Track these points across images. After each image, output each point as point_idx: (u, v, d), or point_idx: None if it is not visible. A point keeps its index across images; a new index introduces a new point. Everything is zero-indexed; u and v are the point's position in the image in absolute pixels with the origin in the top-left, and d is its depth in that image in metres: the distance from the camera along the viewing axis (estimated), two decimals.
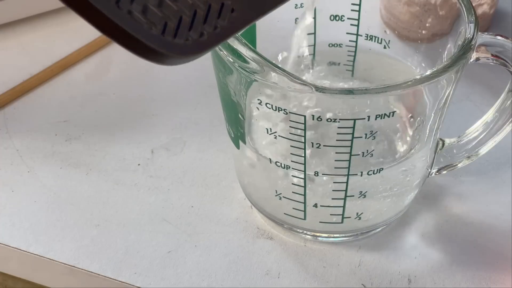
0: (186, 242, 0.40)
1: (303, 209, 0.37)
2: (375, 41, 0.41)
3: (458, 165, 0.40)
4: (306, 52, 0.42)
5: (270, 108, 0.33)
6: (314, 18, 0.40)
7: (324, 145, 0.34)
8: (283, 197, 0.37)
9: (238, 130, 0.37)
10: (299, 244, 0.40)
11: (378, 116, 0.32)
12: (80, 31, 0.54)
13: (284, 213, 0.39)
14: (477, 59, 0.35)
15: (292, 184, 0.36)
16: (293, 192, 0.37)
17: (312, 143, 0.34)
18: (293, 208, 0.38)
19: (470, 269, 0.39)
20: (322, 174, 0.35)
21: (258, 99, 0.34)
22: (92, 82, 0.51)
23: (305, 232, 0.40)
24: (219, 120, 0.46)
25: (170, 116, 0.48)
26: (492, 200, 0.42)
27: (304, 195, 0.36)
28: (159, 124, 0.48)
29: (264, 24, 0.38)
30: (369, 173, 0.35)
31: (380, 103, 0.33)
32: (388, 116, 0.32)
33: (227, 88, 0.35)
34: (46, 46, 0.54)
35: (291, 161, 0.35)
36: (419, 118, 0.37)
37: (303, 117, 0.33)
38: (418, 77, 0.31)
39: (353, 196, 0.36)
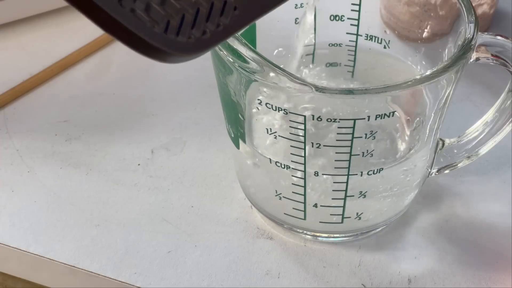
0: (186, 242, 0.40)
1: (303, 209, 0.37)
2: (375, 41, 0.41)
3: (458, 165, 0.40)
4: (306, 52, 0.42)
5: (270, 108, 0.33)
6: (314, 18, 0.40)
7: (324, 145, 0.34)
8: (283, 197, 0.37)
9: (238, 130, 0.37)
10: (299, 244, 0.40)
11: (378, 116, 0.32)
12: (80, 31, 0.54)
13: (284, 213, 0.39)
14: (477, 59, 0.35)
15: (292, 184, 0.36)
16: (293, 192, 0.37)
17: (312, 143, 0.34)
18: (293, 208, 0.38)
19: (470, 269, 0.39)
20: (322, 174, 0.35)
21: (258, 99, 0.34)
22: (92, 82, 0.51)
23: (305, 232, 0.40)
24: (219, 120, 0.46)
25: (170, 116, 0.48)
26: (492, 200, 0.42)
27: (304, 195, 0.36)
28: (159, 124, 0.48)
29: (264, 24, 0.38)
30: (369, 173, 0.35)
31: (380, 103, 0.33)
32: (388, 116, 0.32)
33: (227, 88, 0.35)
34: (46, 46, 0.54)
35: (291, 161, 0.35)
36: (419, 118, 0.37)
37: (303, 117, 0.33)
38: (418, 77, 0.31)
39: (353, 196, 0.36)
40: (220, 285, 0.38)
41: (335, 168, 0.35)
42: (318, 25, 0.41)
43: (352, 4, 0.40)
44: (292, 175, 0.36)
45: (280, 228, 0.40)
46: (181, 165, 0.45)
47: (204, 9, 0.23)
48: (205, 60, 0.37)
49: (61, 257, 0.39)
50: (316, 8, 0.40)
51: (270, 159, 0.36)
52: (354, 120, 0.32)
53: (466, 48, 0.33)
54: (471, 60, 0.34)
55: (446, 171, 0.41)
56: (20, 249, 0.40)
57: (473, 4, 0.40)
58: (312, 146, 0.34)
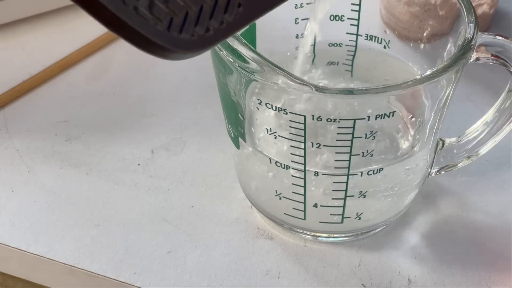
0: (186, 242, 0.40)
1: (303, 209, 0.37)
2: (375, 41, 0.41)
3: (458, 165, 0.40)
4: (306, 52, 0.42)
5: (270, 108, 0.33)
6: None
7: (324, 145, 0.34)
8: (283, 197, 0.37)
9: (238, 130, 0.37)
10: (299, 244, 0.40)
11: (378, 116, 0.32)
12: (80, 31, 0.55)
13: (284, 213, 0.39)
14: (477, 59, 0.35)
15: (292, 184, 0.36)
16: (293, 192, 0.37)
17: (312, 143, 0.34)
18: (293, 208, 0.38)
19: (470, 269, 0.39)
20: (322, 174, 0.35)
21: (258, 99, 0.34)
22: (92, 82, 0.51)
23: (305, 232, 0.40)
24: (219, 120, 0.46)
25: (170, 116, 0.48)
26: (492, 200, 0.42)
27: (304, 195, 0.36)
28: (159, 124, 0.48)
29: (264, 24, 0.38)
30: (369, 173, 0.35)
31: (380, 103, 0.33)
32: (388, 116, 0.32)
33: (227, 88, 0.35)
34: (46, 46, 0.54)
35: (291, 161, 0.35)
36: (419, 118, 0.37)
37: (303, 117, 0.33)
38: (418, 77, 0.31)
39: (353, 196, 0.36)
40: (220, 285, 0.38)
41: (335, 168, 0.35)
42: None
43: (352, 4, 0.40)
44: (292, 175, 0.36)
45: (280, 228, 0.40)
46: (181, 165, 0.45)
47: (207, 6, 0.23)
48: (205, 60, 0.37)
49: (61, 257, 0.39)
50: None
51: (270, 159, 0.36)
52: (354, 120, 0.32)
53: (466, 48, 0.33)
54: (471, 60, 0.34)
55: (446, 171, 0.41)
56: (20, 249, 0.40)
57: (473, 4, 0.40)
58: (312, 146, 0.34)
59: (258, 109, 0.36)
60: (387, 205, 0.39)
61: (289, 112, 0.33)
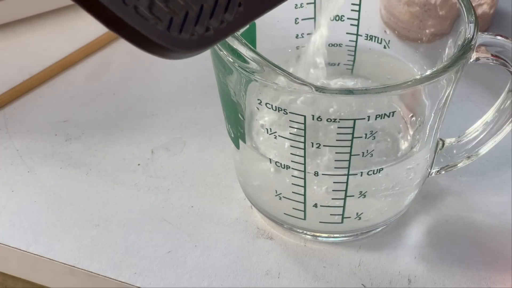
0: (186, 242, 0.40)
1: (303, 209, 0.37)
2: (375, 41, 0.41)
3: (458, 165, 0.40)
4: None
5: (270, 108, 0.33)
6: (314, 18, 0.40)
7: (324, 145, 0.34)
8: (283, 197, 0.37)
9: (238, 130, 0.37)
10: (299, 244, 0.40)
11: (378, 116, 0.32)
12: (80, 31, 0.55)
13: (284, 213, 0.39)
14: (477, 59, 0.35)
15: (292, 184, 0.36)
16: (293, 192, 0.37)
17: (312, 143, 0.34)
18: (293, 208, 0.38)
19: (470, 269, 0.39)
20: (322, 174, 0.35)
21: (258, 99, 0.34)
22: (92, 82, 0.51)
23: (305, 232, 0.40)
24: (219, 120, 0.46)
25: (170, 116, 0.48)
26: (492, 200, 0.42)
27: (304, 195, 0.36)
28: (159, 124, 0.48)
29: (264, 24, 0.38)
30: (369, 173, 0.35)
31: (380, 103, 0.33)
32: (388, 116, 0.32)
33: (227, 88, 0.35)
34: (46, 46, 0.54)
35: (291, 161, 0.35)
36: (419, 118, 0.37)
37: (303, 117, 0.33)
38: (418, 77, 0.31)
39: (353, 196, 0.36)
40: (220, 285, 0.38)
41: (335, 168, 0.35)
42: (318, 25, 0.41)
43: (352, 4, 0.40)
44: (292, 175, 0.36)
45: (280, 228, 0.40)
46: (181, 165, 0.45)
47: (208, 6, 0.23)
48: (205, 60, 0.37)
49: (61, 257, 0.39)
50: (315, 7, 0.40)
51: (270, 159, 0.36)
52: (354, 120, 0.32)
53: (466, 48, 0.33)
54: (471, 60, 0.34)
55: (446, 171, 0.41)
56: (20, 249, 0.40)
57: (473, 4, 0.40)
58: (312, 146, 0.34)
59: (258, 109, 0.36)
60: (387, 205, 0.39)
61: (289, 112, 0.33)
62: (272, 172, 0.37)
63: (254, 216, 0.42)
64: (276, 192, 0.38)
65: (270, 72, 0.31)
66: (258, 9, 0.24)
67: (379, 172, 0.35)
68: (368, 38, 0.41)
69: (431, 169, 0.40)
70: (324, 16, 0.39)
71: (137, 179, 0.44)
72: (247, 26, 0.36)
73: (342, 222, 0.38)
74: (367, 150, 0.34)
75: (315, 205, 0.37)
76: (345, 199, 0.36)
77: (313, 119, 0.33)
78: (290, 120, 0.33)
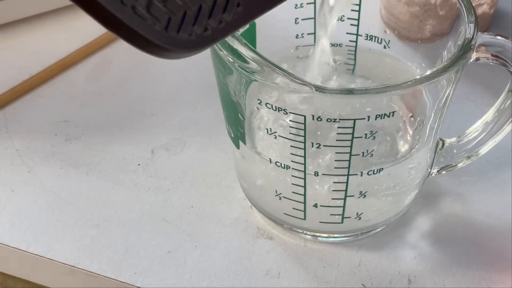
0: (186, 242, 0.40)
1: (303, 209, 0.37)
2: (375, 41, 0.41)
3: (458, 165, 0.40)
4: (306, 52, 0.42)
5: (270, 108, 0.33)
6: (314, 18, 0.40)
7: (324, 145, 0.34)
8: (283, 197, 0.37)
9: (238, 130, 0.37)
10: (299, 244, 0.40)
11: (378, 116, 0.32)
12: (80, 31, 0.54)
13: (284, 213, 0.39)
14: (477, 59, 0.35)
15: (292, 184, 0.36)
16: (293, 192, 0.37)
17: (312, 143, 0.34)
18: (293, 208, 0.38)
19: (470, 269, 0.39)
20: (322, 174, 0.35)
21: (258, 99, 0.34)
22: (92, 82, 0.51)
23: (305, 232, 0.40)
24: (219, 120, 0.46)
25: (170, 116, 0.48)
26: (492, 200, 0.42)
27: (304, 195, 0.36)
28: (159, 124, 0.48)
29: (264, 24, 0.39)
30: (369, 173, 0.35)
31: (380, 103, 0.33)
32: (388, 116, 0.32)
33: (227, 88, 0.35)
34: (46, 46, 0.54)
35: (291, 161, 0.35)
36: (419, 118, 0.37)
37: (303, 117, 0.33)
38: (418, 77, 0.31)
39: (353, 196, 0.36)
40: (220, 285, 0.38)
41: (335, 168, 0.35)
42: (318, 25, 0.41)
43: (352, 4, 0.40)
44: (292, 175, 0.36)
45: (280, 228, 0.40)
46: (181, 165, 0.45)
47: (206, 6, 0.23)
48: (205, 60, 0.37)
49: (61, 257, 0.39)
50: (315, 7, 0.40)
51: (270, 159, 0.36)
52: (354, 120, 0.32)
53: (466, 48, 0.33)
54: (471, 60, 0.34)
55: (446, 171, 0.41)
56: (20, 249, 0.40)
57: (473, 4, 0.40)
58: (312, 146, 0.34)
59: (258, 109, 0.36)
60: (387, 205, 0.39)
61: (289, 112, 0.33)
62: (272, 172, 0.37)
63: (254, 216, 0.42)
64: (276, 192, 0.38)
65: (270, 72, 0.31)
66: (257, 9, 0.24)
67: (379, 172, 0.35)
68: (368, 38, 0.41)
69: (431, 169, 0.40)
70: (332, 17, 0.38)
71: (137, 179, 0.44)
72: (246, 26, 0.36)
73: (342, 222, 0.38)
74: (367, 150, 0.34)
75: (315, 205, 0.37)
76: (345, 199, 0.36)
77: (313, 119, 0.33)
78: (290, 120, 0.33)
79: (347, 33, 0.41)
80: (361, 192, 0.36)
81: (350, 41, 0.41)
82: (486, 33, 0.34)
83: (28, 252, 0.40)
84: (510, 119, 0.38)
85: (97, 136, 0.47)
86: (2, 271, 0.43)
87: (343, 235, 0.40)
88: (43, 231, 0.41)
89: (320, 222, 0.38)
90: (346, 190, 0.36)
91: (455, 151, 0.40)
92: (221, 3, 0.23)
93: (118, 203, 0.42)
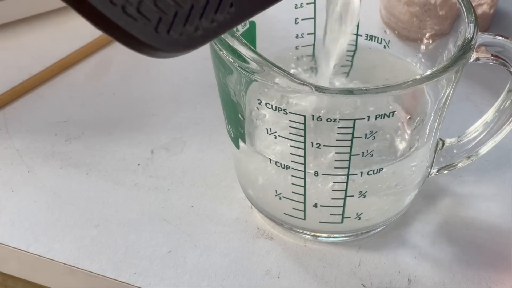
0: (186, 242, 0.40)
1: (303, 209, 0.37)
2: (375, 41, 0.41)
3: (458, 165, 0.40)
4: (306, 52, 0.42)
5: (270, 108, 0.33)
6: (314, 18, 0.40)
7: (324, 145, 0.34)
8: (283, 197, 0.37)
9: (238, 130, 0.37)
10: (299, 244, 0.40)
11: (378, 116, 0.32)
12: (80, 31, 0.54)
13: (284, 213, 0.39)
14: (477, 59, 0.35)
15: (292, 184, 0.36)
16: (293, 192, 0.37)
17: (312, 143, 0.34)
18: (293, 208, 0.38)
19: (470, 269, 0.39)
20: (322, 174, 0.35)
21: (258, 99, 0.34)
22: (92, 82, 0.51)
23: (305, 232, 0.40)
24: (219, 120, 0.46)
25: (170, 116, 0.48)
26: (492, 200, 0.42)
27: (304, 195, 0.36)
28: (159, 124, 0.48)
29: (264, 24, 0.39)
30: (369, 173, 0.35)
31: (380, 103, 0.33)
32: (388, 116, 0.32)
33: (227, 88, 0.35)
34: (46, 46, 0.54)
35: (291, 161, 0.35)
36: (419, 118, 0.37)
37: (303, 117, 0.33)
38: (418, 77, 0.31)
39: (353, 196, 0.36)
40: (220, 285, 0.38)
41: (335, 168, 0.35)
42: (318, 25, 0.41)
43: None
44: (292, 175, 0.36)
45: (280, 228, 0.40)
46: (181, 165, 0.45)
47: (198, 6, 0.22)
48: (205, 60, 0.37)
49: (61, 257, 0.39)
50: (315, 7, 0.40)
51: (270, 159, 0.36)
52: (354, 120, 0.32)
53: (466, 48, 0.33)
54: (471, 60, 0.34)
55: (446, 171, 0.41)
56: (20, 249, 0.40)
57: (473, 4, 0.40)
58: (312, 146, 0.34)
59: (258, 109, 0.35)
60: (387, 205, 0.39)
61: (289, 112, 0.33)
62: (272, 172, 0.37)
63: (254, 216, 0.42)
64: (276, 192, 0.38)
65: (270, 72, 0.31)
66: (250, 9, 0.24)
67: (379, 172, 0.35)
68: (368, 38, 0.41)
69: (431, 169, 0.40)
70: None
71: (137, 179, 0.44)
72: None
73: (342, 222, 0.38)
74: (367, 150, 0.34)
75: (315, 205, 0.37)
76: (345, 199, 0.36)
77: (313, 119, 0.33)
78: (290, 120, 0.33)
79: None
80: (361, 192, 0.36)
81: (350, 41, 0.41)
82: (486, 33, 0.34)
83: (28, 252, 0.40)
84: (510, 119, 0.38)
85: (97, 136, 0.47)
86: (2, 271, 0.43)
87: (343, 235, 0.40)
88: (43, 231, 0.41)
89: (320, 222, 0.38)
90: (346, 190, 0.36)
91: (455, 151, 0.40)
92: (214, 3, 0.23)
93: (118, 203, 0.42)
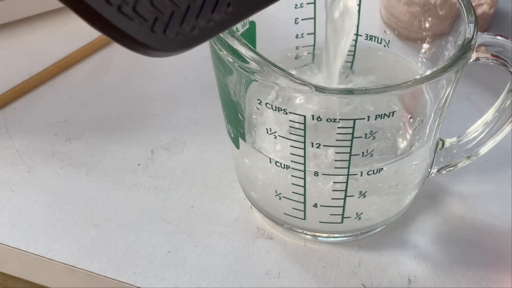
0: (186, 242, 0.40)
1: (303, 209, 0.37)
2: (375, 41, 0.41)
3: (458, 165, 0.40)
4: (307, 52, 0.42)
5: (270, 108, 0.33)
6: (314, 18, 0.40)
7: (324, 145, 0.34)
8: (283, 197, 0.37)
9: (238, 130, 0.37)
10: (299, 244, 0.40)
11: (378, 116, 0.32)
12: (80, 31, 0.54)
13: (284, 213, 0.39)
14: (477, 59, 0.35)
15: (292, 184, 0.36)
16: (293, 192, 0.37)
17: (312, 143, 0.34)
18: (293, 208, 0.38)
19: (470, 269, 0.39)
20: (322, 174, 0.35)
21: (258, 99, 0.34)
22: (92, 82, 0.51)
23: (305, 232, 0.40)
24: (219, 120, 0.46)
25: (170, 116, 0.48)
26: (492, 200, 0.42)
27: (304, 195, 0.36)
28: (159, 124, 0.48)
29: (264, 24, 0.39)
30: (369, 173, 0.35)
31: (380, 103, 0.33)
32: (388, 116, 0.32)
33: (227, 88, 0.35)
34: (46, 46, 0.54)
35: (291, 161, 0.35)
36: (419, 118, 0.37)
37: (303, 117, 0.33)
38: (418, 77, 0.31)
39: (353, 196, 0.36)
40: (220, 285, 0.38)
41: (335, 168, 0.35)
42: (318, 25, 0.41)
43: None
44: (292, 175, 0.36)
45: (280, 228, 0.40)
46: (181, 165, 0.45)
47: (195, 5, 0.22)
48: (205, 60, 0.37)
49: (61, 257, 0.39)
50: (315, 7, 0.40)
51: (270, 159, 0.36)
52: (354, 120, 0.32)
53: (466, 48, 0.33)
54: (471, 60, 0.34)
55: (446, 171, 0.41)
56: (20, 249, 0.40)
57: (473, 4, 0.40)
58: (312, 146, 0.34)
59: (258, 109, 0.35)
60: (387, 205, 0.39)
61: (289, 112, 0.33)
62: (272, 172, 0.37)
63: (254, 216, 0.42)
64: (276, 192, 0.38)
65: (270, 72, 0.31)
66: (247, 9, 0.24)
67: (379, 172, 0.35)
68: (368, 38, 0.41)
69: (431, 169, 0.40)
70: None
71: (137, 179, 0.44)
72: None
73: (342, 222, 0.38)
74: (367, 150, 0.34)
75: (315, 205, 0.37)
76: (345, 199, 0.36)
77: (313, 119, 0.33)
78: (290, 120, 0.33)
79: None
80: (361, 192, 0.36)
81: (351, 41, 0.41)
82: (486, 33, 0.34)
83: (28, 252, 0.40)
84: (510, 119, 0.38)
85: (97, 136, 0.47)
86: (2, 271, 0.43)
87: (343, 235, 0.40)
88: (43, 231, 0.41)
89: (320, 222, 0.38)
90: (346, 190, 0.36)
91: (455, 151, 0.40)
92: (211, 3, 0.23)
93: (118, 203, 0.42)
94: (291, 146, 0.34)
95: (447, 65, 0.32)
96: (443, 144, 0.40)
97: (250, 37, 0.38)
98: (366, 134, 0.33)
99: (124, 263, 0.39)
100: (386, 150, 0.38)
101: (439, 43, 0.38)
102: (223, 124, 0.39)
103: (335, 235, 0.40)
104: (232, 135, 0.38)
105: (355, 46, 0.41)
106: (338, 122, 0.32)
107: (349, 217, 0.38)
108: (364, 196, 0.36)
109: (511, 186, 0.43)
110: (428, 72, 0.32)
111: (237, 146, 0.38)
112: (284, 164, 0.36)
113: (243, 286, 0.38)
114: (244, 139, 0.37)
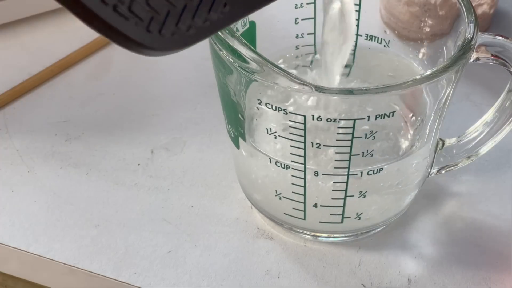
0: (186, 242, 0.40)
1: (303, 209, 0.37)
2: (375, 41, 0.41)
3: (458, 165, 0.40)
4: (306, 51, 0.42)
5: (270, 108, 0.33)
6: (314, 18, 0.40)
7: (324, 145, 0.34)
8: (283, 197, 0.37)
9: (238, 130, 0.37)
10: (299, 244, 0.40)
11: (378, 116, 0.32)
12: (80, 31, 0.54)
13: (284, 213, 0.39)
14: (477, 59, 0.35)
15: (292, 184, 0.36)
16: (293, 192, 0.37)
17: (312, 143, 0.34)
18: (293, 208, 0.38)
19: (470, 269, 0.39)
20: (322, 174, 0.35)
21: (258, 99, 0.34)
22: (92, 82, 0.51)
23: (305, 232, 0.40)
24: (219, 120, 0.46)
25: (170, 116, 0.48)
26: (492, 200, 0.42)
27: (304, 195, 0.36)
28: (159, 124, 0.48)
29: (264, 24, 0.39)
30: (369, 173, 0.35)
31: (380, 103, 0.33)
32: (388, 116, 0.32)
33: (227, 88, 0.35)
34: (46, 46, 0.54)
35: (291, 161, 0.35)
36: (419, 118, 0.37)
37: (303, 117, 0.33)
38: (418, 77, 0.31)
39: (353, 196, 0.36)
40: (220, 285, 0.38)
41: (335, 168, 0.35)
42: (318, 25, 0.41)
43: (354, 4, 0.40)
44: (292, 175, 0.36)
45: (280, 228, 0.40)
46: (181, 165, 0.45)
47: (191, 5, 0.22)
48: (205, 60, 0.37)
49: (61, 257, 0.39)
50: (315, 7, 0.40)
51: (270, 159, 0.36)
52: (354, 120, 0.32)
53: (466, 48, 0.33)
54: (471, 60, 0.34)
55: (446, 171, 0.41)
56: (20, 249, 0.40)
57: (473, 4, 0.40)
58: (312, 146, 0.34)
59: (258, 109, 0.35)
60: (387, 205, 0.39)
61: (289, 112, 0.33)
62: (272, 172, 0.37)
63: (254, 216, 0.42)
64: (276, 192, 0.38)
65: (270, 72, 0.31)
66: (244, 9, 0.24)
67: (379, 172, 0.35)
68: (368, 38, 0.41)
69: (431, 169, 0.40)
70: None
71: (137, 179, 0.44)
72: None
73: (342, 222, 0.38)
74: (367, 150, 0.34)
75: (315, 205, 0.37)
76: (345, 199, 0.36)
77: (313, 119, 0.33)
78: (290, 120, 0.33)
79: None
80: (361, 192, 0.36)
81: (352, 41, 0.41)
82: (486, 33, 0.34)
83: (28, 252, 0.40)
84: (510, 119, 0.38)
85: (97, 136, 0.47)
86: (2, 271, 0.43)
87: (343, 235, 0.40)
88: (43, 231, 0.41)
89: (320, 222, 0.38)
90: (346, 190, 0.36)
91: (455, 151, 0.40)
92: (207, 3, 0.22)
93: (118, 203, 0.42)
94: (291, 146, 0.34)
95: (447, 65, 0.32)
96: (443, 144, 0.40)
97: (250, 37, 0.38)
98: (366, 134, 0.33)
99: (124, 263, 0.39)
100: (386, 150, 0.38)
101: (439, 43, 0.38)
102: (223, 124, 0.39)
103: (335, 235, 0.40)
104: (232, 135, 0.38)
105: (355, 46, 0.41)
106: (338, 122, 0.32)
107: (349, 217, 0.38)
108: (364, 196, 0.36)
109: (511, 186, 0.43)
110: (428, 72, 0.32)
111: (237, 146, 0.38)
112: (284, 164, 0.36)
113: (243, 286, 0.38)
114: (244, 139, 0.37)
